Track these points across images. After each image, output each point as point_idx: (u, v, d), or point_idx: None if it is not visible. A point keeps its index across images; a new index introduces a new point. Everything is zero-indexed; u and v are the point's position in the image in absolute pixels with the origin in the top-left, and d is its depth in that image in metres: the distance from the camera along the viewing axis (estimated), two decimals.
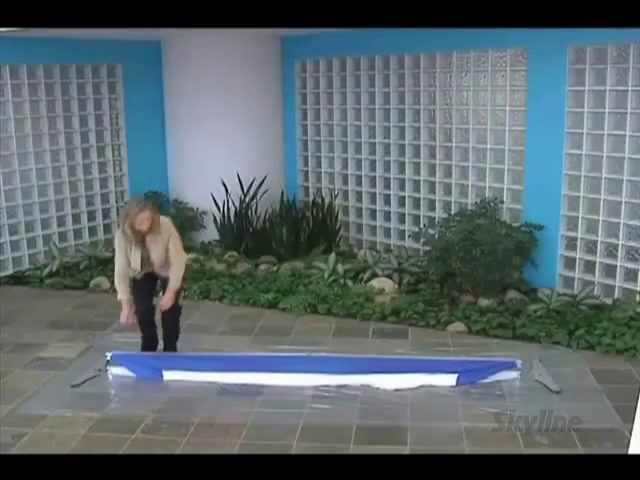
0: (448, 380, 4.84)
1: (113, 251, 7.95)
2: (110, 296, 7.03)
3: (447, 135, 7.30)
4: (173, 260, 5.08)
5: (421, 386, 4.81)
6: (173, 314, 5.24)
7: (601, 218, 6.27)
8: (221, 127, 8.14)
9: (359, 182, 8.14)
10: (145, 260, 5.04)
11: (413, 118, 7.53)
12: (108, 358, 5.19)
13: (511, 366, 4.98)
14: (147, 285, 5.23)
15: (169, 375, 5.07)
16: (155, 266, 5.11)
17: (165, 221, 5.13)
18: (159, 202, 8.23)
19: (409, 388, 4.78)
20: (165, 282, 5.16)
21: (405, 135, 7.59)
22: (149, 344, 5.35)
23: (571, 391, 4.75)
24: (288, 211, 8.11)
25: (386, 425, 4.35)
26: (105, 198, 8.37)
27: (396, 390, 4.77)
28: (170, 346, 5.34)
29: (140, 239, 4.98)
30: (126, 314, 5.08)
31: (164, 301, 5.12)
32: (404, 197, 7.74)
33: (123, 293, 5.07)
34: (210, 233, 8.35)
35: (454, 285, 6.48)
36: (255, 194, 8.08)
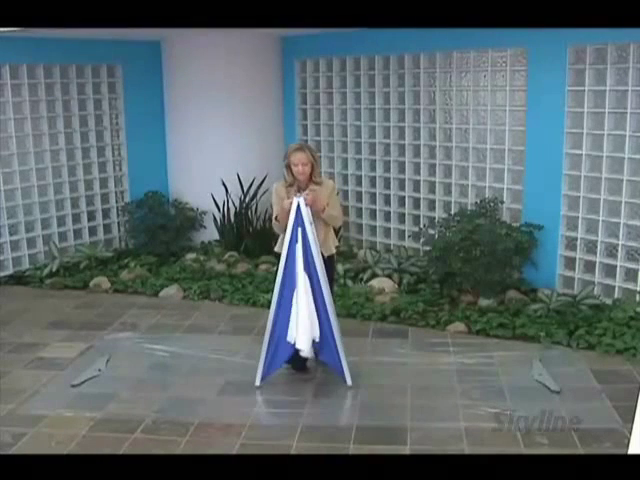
0: None
1: (114, 251, 8.13)
2: (110, 296, 7.07)
3: (447, 135, 7.29)
4: (331, 211, 4.82)
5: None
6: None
7: (601, 218, 6.26)
8: (221, 127, 8.13)
9: (359, 182, 8.13)
10: None
11: (413, 118, 7.53)
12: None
13: None
14: None
15: None
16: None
17: (328, 182, 5.03)
18: (159, 202, 8.24)
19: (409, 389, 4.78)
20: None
21: (405, 135, 7.58)
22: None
23: (571, 391, 4.75)
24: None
25: (386, 425, 4.35)
26: (105, 198, 8.36)
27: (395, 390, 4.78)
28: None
29: (297, 190, 4.81)
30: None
31: (309, 199, 4.66)
32: (404, 197, 7.74)
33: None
34: (210, 233, 8.34)
35: (454, 285, 6.48)
36: (255, 194, 8.08)
